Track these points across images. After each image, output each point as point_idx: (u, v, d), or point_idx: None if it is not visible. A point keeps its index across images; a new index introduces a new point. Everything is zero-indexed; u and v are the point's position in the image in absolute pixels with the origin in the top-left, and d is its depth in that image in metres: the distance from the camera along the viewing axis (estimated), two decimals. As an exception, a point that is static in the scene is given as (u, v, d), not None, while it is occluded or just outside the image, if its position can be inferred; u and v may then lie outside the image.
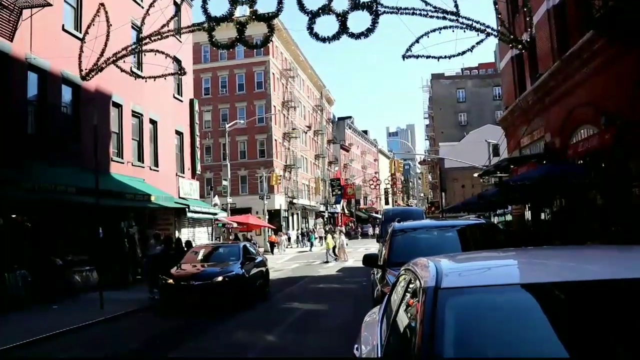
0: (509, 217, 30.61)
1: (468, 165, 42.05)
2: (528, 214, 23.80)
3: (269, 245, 45.39)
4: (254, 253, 18.39)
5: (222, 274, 15.09)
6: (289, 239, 54.87)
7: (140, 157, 25.03)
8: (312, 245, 51.73)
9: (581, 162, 16.33)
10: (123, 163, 23.21)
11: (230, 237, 36.97)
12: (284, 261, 35.74)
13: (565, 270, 3.02)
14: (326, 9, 15.29)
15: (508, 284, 2.82)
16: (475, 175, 33.77)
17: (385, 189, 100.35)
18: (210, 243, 24.92)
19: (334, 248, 34.59)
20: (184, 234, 26.90)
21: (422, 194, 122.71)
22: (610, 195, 14.63)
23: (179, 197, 27.58)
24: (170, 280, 14.93)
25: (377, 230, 55.26)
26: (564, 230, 17.50)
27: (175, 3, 22.25)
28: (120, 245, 20.82)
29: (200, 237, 29.51)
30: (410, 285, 3.34)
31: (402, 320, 3.22)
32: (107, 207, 18.03)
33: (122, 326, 13.10)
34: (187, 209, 26.56)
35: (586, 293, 2.60)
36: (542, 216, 21.72)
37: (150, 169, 25.73)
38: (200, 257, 17.19)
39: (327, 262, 32.75)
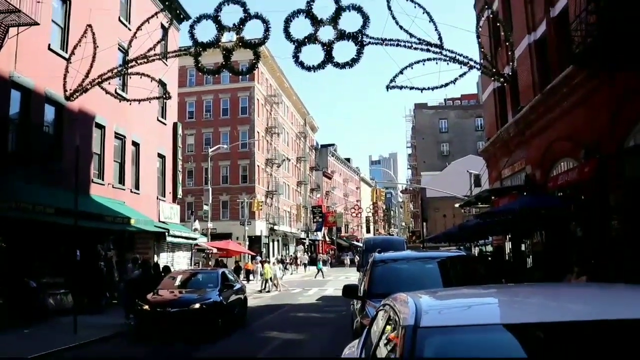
0: (489, 248, 30.69)
1: (449, 195, 42.27)
2: (508, 245, 23.88)
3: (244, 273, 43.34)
4: (232, 280, 18.11)
5: (199, 301, 14.73)
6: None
7: (122, 179, 24.79)
8: (321, 272, 46.64)
9: (561, 194, 16.46)
10: (104, 185, 22.95)
11: (210, 263, 36.52)
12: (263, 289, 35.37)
13: (548, 309, 2.97)
14: (312, 38, 15.36)
15: (489, 323, 2.76)
16: (457, 205, 33.94)
17: (366, 217, 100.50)
18: (189, 269, 24.50)
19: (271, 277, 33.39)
20: (163, 259, 26.54)
21: (403, 223, 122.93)
22: (589, 228, 14.72)
23: (159, 221, 27.28)
24: (146, 307, 14.53)
25: (356, 258, 55.07)
26: (544, 262, 17.55)
27: (162, 27, 22.26)
28: (97, 268, 20.47)
29: (179, 262, 29.14)
30: (390, 321, 3.27)
31: (381, 355, 3.14)
32: (86, 228, 17.76)
33: (96, 353, 12.77)
34: (166, 233, 26.27)
35: (568, 334, 2.54)
36: (522, 247, 21.80)
37: (131, 191, 25.46)
38: (177, 283, 16.85)
39: (267, 291, 32.00)
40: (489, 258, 24.25)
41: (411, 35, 14.98)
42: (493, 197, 22.74)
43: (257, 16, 15.65)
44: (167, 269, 20.67)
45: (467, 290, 4.53)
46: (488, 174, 26.54)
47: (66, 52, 19.08)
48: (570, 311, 2.88)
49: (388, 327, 3.26)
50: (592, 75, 13.46)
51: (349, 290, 8.86)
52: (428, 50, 15.05)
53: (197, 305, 14.52)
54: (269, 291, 31.79)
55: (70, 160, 17.28)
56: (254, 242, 54.19)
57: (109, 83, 17.41)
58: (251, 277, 40.00)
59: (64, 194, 17.40)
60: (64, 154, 19.65)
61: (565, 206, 15.47)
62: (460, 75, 15.27)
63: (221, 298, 15.45)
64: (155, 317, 14.21)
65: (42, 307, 16.97)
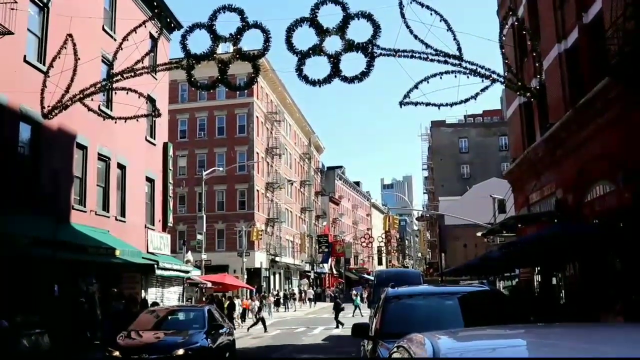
0: (516, 282, 30.43)
1: (471, 223, 42.04)
2: (538, 279, 23.67)
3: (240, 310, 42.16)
4: (219, 319, 17.20)
5: (183, 345, 13.68)
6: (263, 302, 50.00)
7: (106, 206, 24.80)
8: (359, 309, 43.29)
9: (597, 221, 16.33)
10: (86, 212, 22.96)
11: (204, 299, 36.31)
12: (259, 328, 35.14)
13: (580, 353, 2.89)
14: (317, 50, 15.46)
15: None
16: (479, 234, 33.74)
17: (378, 247, 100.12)
18: (174, 305, 23.63)
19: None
20: (152, 294, 26.41)
21: (419, 254, 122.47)
22: (629, 260, 14.57)
23: (148, 252, 27.22)
24: (117, 353, 13.45)
25: (365, 293, 54.56)
26: (579, 297, 17.36)
27: (151, 37, 22.48)
28: (78, 305, 20.36)
29: (169, 297, 29.00)
30: (405, 366, 3.19)
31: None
32: (65, 260, 17.70)
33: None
34: (155, 266, 26.16)
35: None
36: (554, 281, 21.59)
37: (116, 219, 25.46)
38: (156, 322, 15.73)
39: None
40: (509, 293, 24.03)
41: (427, 46, 15.06)
42: (520, 225, 22.58)
43: (256, 25, 15.79)
44: (155, 305, 20.56)
45: (491, 330, 4.45)
46: (514, 199, 26.41)
47: (44, 64, 19.22)
48: (609, 358, 2.80)
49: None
50: (630, 88, 13.43)
51: (359, 330, 8.75)
52: (446, 62, 15.12)
53: (181, 352, 13.44)
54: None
55: (48, 185, 17.34)
56: (253, 276, 53.95)
57: (92, 99, 17.55)
58: (249, 314, 39.38)
59: (41, 222, 17.37)
60: (41, 177, 19.68)
61: (602, 235, 15.33)
62: (482, 90, 15.35)
63: (209, 342, 14.48)
64: None
65: (15, 349, 16.84)
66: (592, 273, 16.95)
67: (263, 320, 31.91)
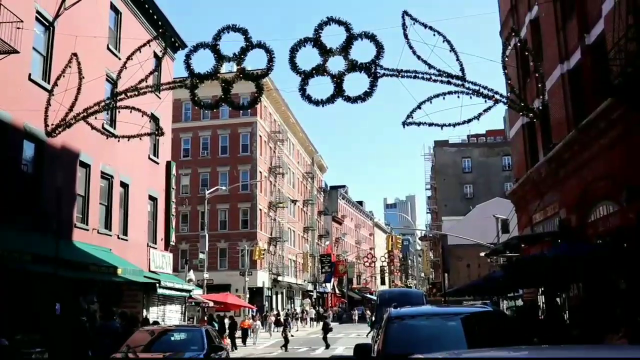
0: (519, 302, 30.28)
1: (474, 243, 41.99)
2: (542, 299, 23.53)
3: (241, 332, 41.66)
4: (218, 341, 16.37)
5: None
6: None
7: (108, 224, 24.78)
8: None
9: (600, 241, 16.27)
10: (88, 230, 22.94)
11: (205, 319, 36.11)
12: (265, 347, 34.97)
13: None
14: (320, 70, 15.50)
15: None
16: (482, 254, 33.66)
17: (381, 267, 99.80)
18: (171, 326, 22.78)
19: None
20: (153, 313, 26.29)
21: (422, 274, 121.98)
22: (634, 281, 14.49)
23: (150, 271, 27.14)
24: None
25: (367, 313, 54.26)
26: (583, 318, 17.24)
27: (156, 56, 22.61)
28: (79, 323, 20.23)
29: (171, 317, 28.86)
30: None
31: None
32: (67, 278, 17.63)
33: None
34: (157, 285, 26.07)
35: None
36: (558, 301, 21.47)
37: (119, 237, 25.43)
38: (149, 343, 14.83)
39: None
40: (513, 314, 23.87)
41: (430, 66, 15.10)
42: (523, 245, 22.53)
43: (260, 45, 15.85)
44: (156, 324, 20.44)
45: (494, 352, 4.42)
46: (517, 218, 26.37)
47: (48, 83, 19.32)
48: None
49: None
50: (633, 108, 13.45)
51: (362, 351, 8.69)
52: (449, 83, 15.15)
53: None
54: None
55: (50, 202, 17.33)
56: (255, 295, 53.79)
57: (96, 118, 17.57)
58: (250, 334, 38.93)
59: (43, 240, 17.35)
60: (44, 195, 19.70)
61: (607, 256, 15.26)
62: (485, 110, 15.34)
63: None
64: None
65: (15, 368, 16.74)
66: (596, 294, 16.85)
67: (287, 339, 32.29)
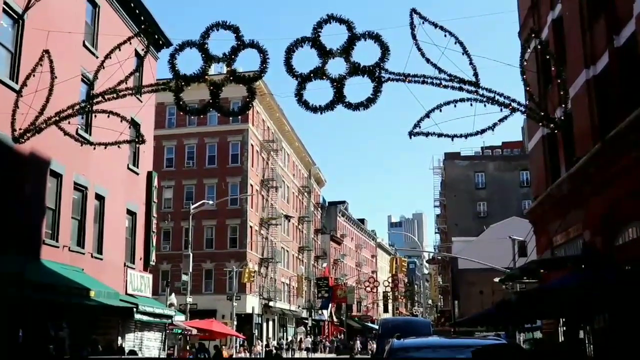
0: (538, 334, 30.14)
1: (487, 267, 41.90)
2: (562, 330, 23.43)
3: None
4: None
5: None
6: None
7: (81, 241, 24.63)
8: None
9: (629, 267, 16.18)
10: (58, 247, 22.78)
11: (188, 348, 35.90)
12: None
13: None
14: (319, 73, 15.45)
15: None
16: (496, 280, 33.52)
17: (384, 292, 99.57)
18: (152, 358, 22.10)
19: None
20: (129, 341, 26.12)
21: (429, 301, 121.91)
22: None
23: (126, 294, 26.99)
24: None
25: (369, 344, 54.06)
26: (610, 353, 17.14)
27: (137, 54, 22.60)
28: (45, 352, 20.08)
29: (149, 345, 28.69)
30: None
31: None
32: (33, 301, 17.49)
33: None
34: (135, 309, 25.91)
35: None
36: (581, 334, 21.35)
37: (92, 256, 25.28)
38: None
39: None
40: (531, 347, 23.71)
41: (440, 71, 15.07)
42: (542, 271, 22.40)
43: (253, 45, 15.81)
44: (133, 354, 20.29)
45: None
46: (536, 240, 26.28)
47: (17, 82, 19.24)
48: None
49: None
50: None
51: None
52: (461, 89, 15.12)
53: None
54: None
55: (16, 216, 17.20)
56: (244, 322, 53.56)
57: (69, 122, 17.50)
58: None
59: (7, 258, 17.22)
60: (9, 208, 19.57)
61: (636, 283, 15.18)
62: (501, 120, 15.30)
63: None
64: None
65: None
66: (625, 326, 16.74)
67: None
